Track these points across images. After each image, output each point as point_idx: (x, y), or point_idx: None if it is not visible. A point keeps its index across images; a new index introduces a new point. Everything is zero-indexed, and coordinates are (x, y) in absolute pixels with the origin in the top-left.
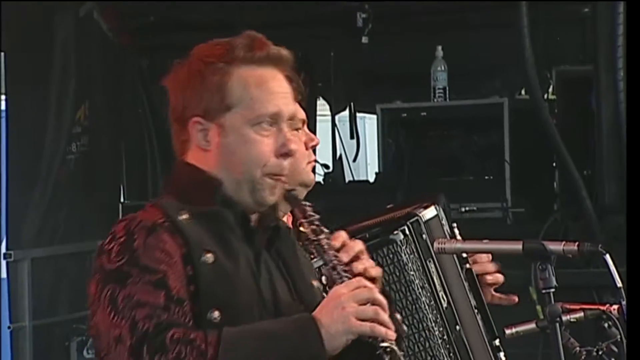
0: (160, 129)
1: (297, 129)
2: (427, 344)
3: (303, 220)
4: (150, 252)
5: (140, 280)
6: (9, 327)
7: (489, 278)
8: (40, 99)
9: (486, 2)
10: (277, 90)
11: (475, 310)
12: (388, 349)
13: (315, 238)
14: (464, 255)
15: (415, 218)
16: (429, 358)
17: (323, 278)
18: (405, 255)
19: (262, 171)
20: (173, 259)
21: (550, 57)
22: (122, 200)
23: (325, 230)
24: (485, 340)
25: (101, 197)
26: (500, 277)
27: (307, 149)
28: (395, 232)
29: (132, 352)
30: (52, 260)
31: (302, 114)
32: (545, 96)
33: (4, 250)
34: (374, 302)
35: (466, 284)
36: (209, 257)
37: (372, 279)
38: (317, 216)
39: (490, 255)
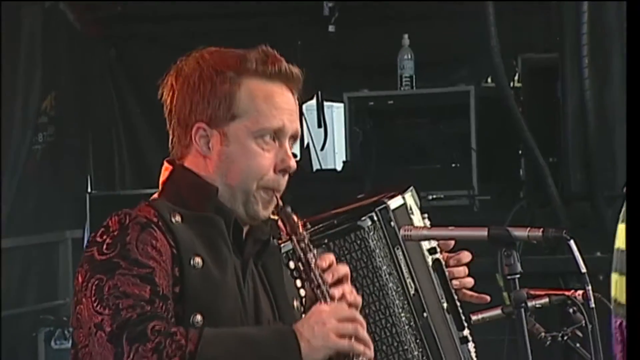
0: (128, 119)
1: None
2: (394, 330)
3: (293, 237)
4: (142, 247)
5: (129, 272)
6: None
7: (456, 283)
8: (6, 89)
9: None
10: (283, 106)
11: (442, 300)
12: None
13: (303, 256)
14: (434, 244)
15: (384, 205)
16: (395, 344)
17: (302, 291)
18: (372, 241)
19: (259, 184)
20: (162, 257)
21: (516, 45)
22: (89, 190)
23: (314, 250)
24: (451, 329)
25: (68, 187)
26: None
27: None
28: (363, 218)
29: (111, 338)
30: (20, 251)
31: None
32: (511, 84)
33: None
34: (354, 321)
35: (434, 274)
36: (198, 261)
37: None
38: (307, 235)
39: (466, 270)
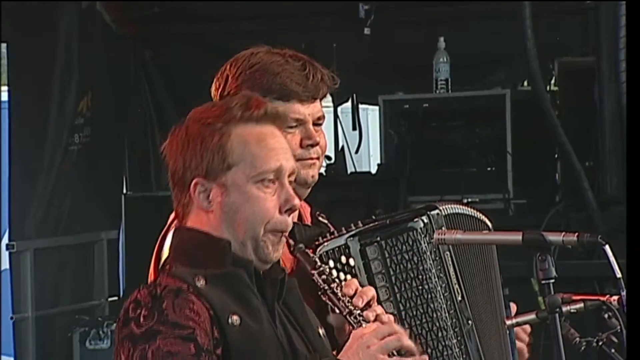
0: (163, 120)
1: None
2: (440, 334)
3: (313, 272)
4: (179, 311)
5: (170, 335)
6: (11, 318)
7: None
8: (43, 90)
9: None
10: (277, 146)
11: (502, 324)
12: None
13: (327, 287)
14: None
15: (437, 210)
16: (440, 347)
17: (329, 317)
18: (424, 244)
19: (266, 228)
20: (201, 318)
21: (553, 49)
22: (124, 191)
23: (337, 279)
24: (502, 347)
25: (104, 188)
26: None
27: (302, 146)
28: (416, 220)
29: None
30: (55, 251)
31: (321, 112)
32: (548, 87)
33: (6, 241)
34: (396, 337)
35: (499, 295)
36: (236, 319)
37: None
38: (327, 266)
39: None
